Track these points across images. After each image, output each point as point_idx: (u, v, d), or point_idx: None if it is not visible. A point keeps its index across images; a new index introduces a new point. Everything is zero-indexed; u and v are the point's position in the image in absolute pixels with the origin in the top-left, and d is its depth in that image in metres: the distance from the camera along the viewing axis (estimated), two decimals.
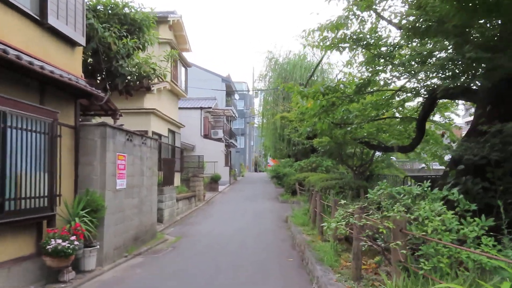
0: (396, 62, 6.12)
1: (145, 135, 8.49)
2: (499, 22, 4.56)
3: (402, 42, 6.01)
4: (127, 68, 8.35)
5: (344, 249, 5.94)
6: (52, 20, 5.51)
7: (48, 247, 4.87)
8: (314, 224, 8.52)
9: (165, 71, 9.57)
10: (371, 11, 6.22)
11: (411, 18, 5.15)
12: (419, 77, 5.76)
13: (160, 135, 13.18)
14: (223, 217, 12.59)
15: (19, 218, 4.64)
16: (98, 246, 5.88)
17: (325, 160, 18.12)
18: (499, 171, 4.71)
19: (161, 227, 10.12)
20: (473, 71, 4.67)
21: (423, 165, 13.01)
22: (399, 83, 8.28)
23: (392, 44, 6.34)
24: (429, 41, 5.41)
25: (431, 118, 9.13)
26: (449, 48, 4.98)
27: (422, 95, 7.06)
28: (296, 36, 28.98)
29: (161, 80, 9.98)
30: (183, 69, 16.22)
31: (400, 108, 9.01)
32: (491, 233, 3.28)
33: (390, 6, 6.06)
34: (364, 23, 6.32)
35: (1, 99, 4.36)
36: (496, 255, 2.82)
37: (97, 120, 7.69)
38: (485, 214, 3.63)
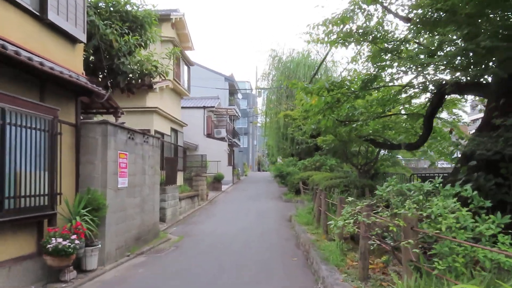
0: (403, 55, 5.95)
1: (147, 133, 8.39)
2: None
3: (410, 36, 5.84)
4: (128, 66, 8.26)
5: (350, 248, 5.81)
6: (52, 16, 5.42)
7: (49, 246, 4.79)
8: (318, 223, 8.38)
9: (167, 69, 9.47)
10: (378, 5, 6.07)
11: (420, 11, 4.99)
12: (427, 71, 5.60)
13: (162, 134, 13.10)
14: (226, 216, 12.49)
15: (19, 216, 4.57)
16: (99, 245, 5.80)
17: (329, 159, 17.97)
18: None
19: (163, 226, 10.03)
20: (486, 62, 4.50)
21: (429, 162, 12.80)
22: (406, 79, 8.12)
23: (399, 39, 6.19)
24: (437, 35, 5.24)
25: (438, 115, 8.95)
26: (458, 40, 4.81)
27: (430, 91, 6.89)
28: (300, 34, 28.87)
29: (163, 78, 9.88)
30: (185, 67, 16.13)
31: (407, 105, 8.84)
32: (509, 231, 3.12)
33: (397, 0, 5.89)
34: (370, 17, 6.17)
35: (0, 95, 4.28)
36: None
37: (98, 118, 7.60)
38: (498, 211, 3.48)
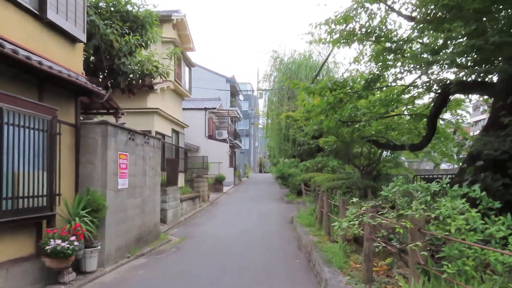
0: (406, 55, 5.87)
1: (148, 134, 8.32)
2: None
3: (414, 35, 5.76)
4: (129, 66, 8.19)
5: (353, 250, 5.72)
6: (51, 15, 5.36)
7: (47, 247, 4.72)
8: (320, 224, 8.28)
9: (168, 70, 9.40)
10: (381, 3, 5.99)
11: (423, 10, 4.92)
12: (431, 70, 5.51)
13: (163, 135, 13.03)
14: (228, 218, 12.40)
15: (17, 217, 4.50)
16: (99, 247, 5.72)
17: (331, 160, 17.88)
18: None
19: (164, 228, 9.95)
20: (493, 59, 4.41)
21: (431, 164, 12.70)
22: (409, 80, 8.04)
23: (402, 38, 6.10)
24: (443, 33, 5.15)
25: (441, 116, 8.85)
26: (464, 38, 4.72)
27: (434, 91, 6.80)
28: (301, 35, 28.77)
29: (164, 78, 9.82)
30: (187, 68, 16.08)
31: (410, 106, 8.75)
32: None
33: None
34: (373, 15, 6.09)
35: None
36: None
37: (98, 118, 7.54)
38: (506, 212, 3.38)
